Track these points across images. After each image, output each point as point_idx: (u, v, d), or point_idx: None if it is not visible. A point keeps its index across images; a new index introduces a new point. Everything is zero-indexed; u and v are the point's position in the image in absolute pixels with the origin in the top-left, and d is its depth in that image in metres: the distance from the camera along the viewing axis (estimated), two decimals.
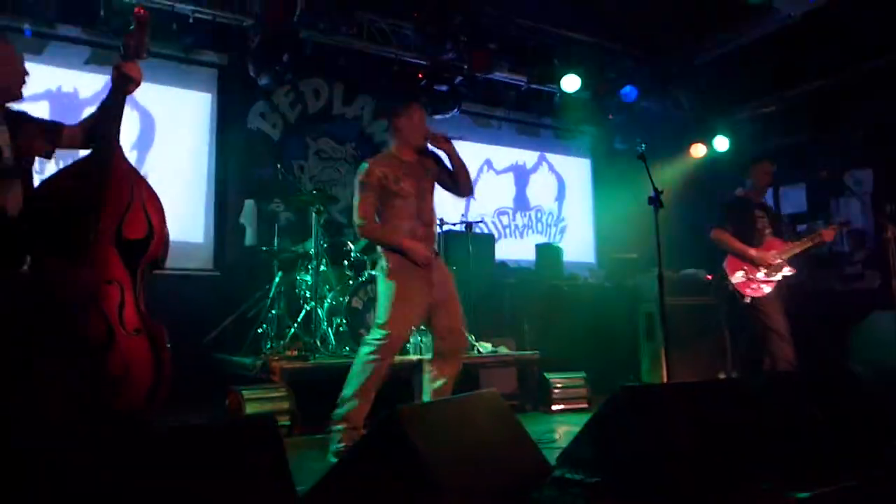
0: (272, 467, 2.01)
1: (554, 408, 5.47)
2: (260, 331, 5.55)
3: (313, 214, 5.51)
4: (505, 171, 8.52)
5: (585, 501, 2.49)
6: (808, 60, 7.26)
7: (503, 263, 7.53)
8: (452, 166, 3.89)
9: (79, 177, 2.73)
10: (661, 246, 4.22)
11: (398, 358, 4.92)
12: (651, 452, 2.47)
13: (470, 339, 5.64)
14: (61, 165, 2.95)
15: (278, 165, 6.29)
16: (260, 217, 6.38)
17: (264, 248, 5.88)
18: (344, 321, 5.28)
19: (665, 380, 4.50)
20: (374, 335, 3.68)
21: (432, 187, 3.93)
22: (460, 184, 3.92)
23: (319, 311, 5.43)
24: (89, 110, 3.07)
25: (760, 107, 8.29)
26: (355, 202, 3.75)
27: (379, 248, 3.83)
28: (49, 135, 2.90)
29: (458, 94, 7.14)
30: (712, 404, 2.88)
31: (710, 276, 6.78)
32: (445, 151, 3.85)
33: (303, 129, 7.10)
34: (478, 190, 8.21)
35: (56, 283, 2.56)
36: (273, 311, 5.53)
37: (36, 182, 2.84)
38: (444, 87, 7.01)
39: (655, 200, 4.19)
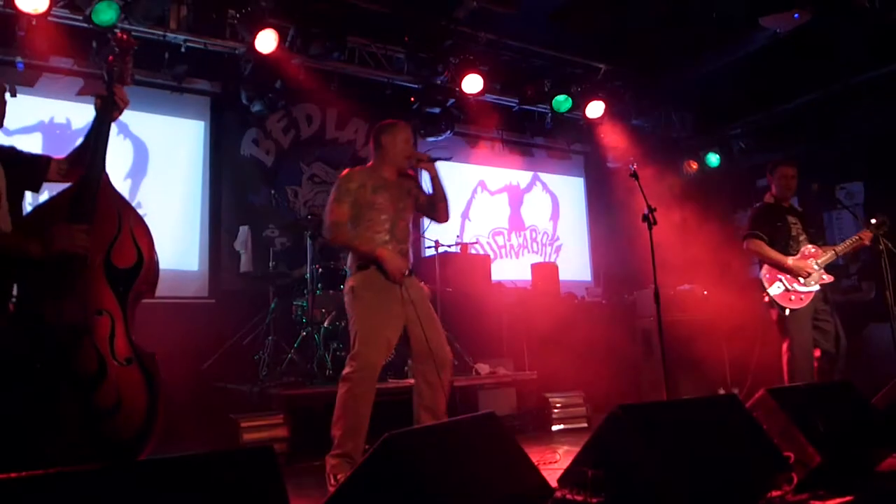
0: (271, 497, 1.98)
1: (554, 428, 5.44)
2: (256, 357, 5.52)
3: (308, 239, 5.51)
4: (499, 191, 8.55)
5: None
6: (797, 76, 7.34)
7: (499, 284, 7.53)
8: (433, 188, 3.79)
9: (65, 207, 2.69)
10: (656, 262, 4.23)
11: (395, 382, 4.90)
12: (652, 471, 2.45)
13: (468, 360, 5.62)
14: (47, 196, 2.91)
15: (272, 191, 6.31)
16: (255, 243, 6.38)
17: (259, 275, 5.87)
18: (341, 345, 5.26)
19: (665, 396, 4.48)
20: (348, 368, 3.48)
21: (411, 208, 3.83)
22: (438, 209, 3.82)
23: (316, 336, 5.41)
24: (82, 139, 3.06)
25: (751, 122, 8.36)
26: (328, 206, 3.61)
27: (346, 266, 3.68)
28: (37, 168, 2.88)
29: (451, 116, 7.18)
30: (711, 421, 2.87)
31: (706, 292, 6.80)
32: (428, 172, 3.77)
33: (296, 155, 7.13)
34: (472, 211, 8.30)
35: (45, 315, 2.53)
36: (269, 338, 5.51)
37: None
38: (436, 110, 7.06)
39: (649, 218, 4.20)
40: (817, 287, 4.70)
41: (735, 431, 2.88)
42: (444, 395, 3.61)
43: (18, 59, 5.49)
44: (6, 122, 2.88)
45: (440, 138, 7.19)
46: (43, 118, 5.91)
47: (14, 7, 4.87)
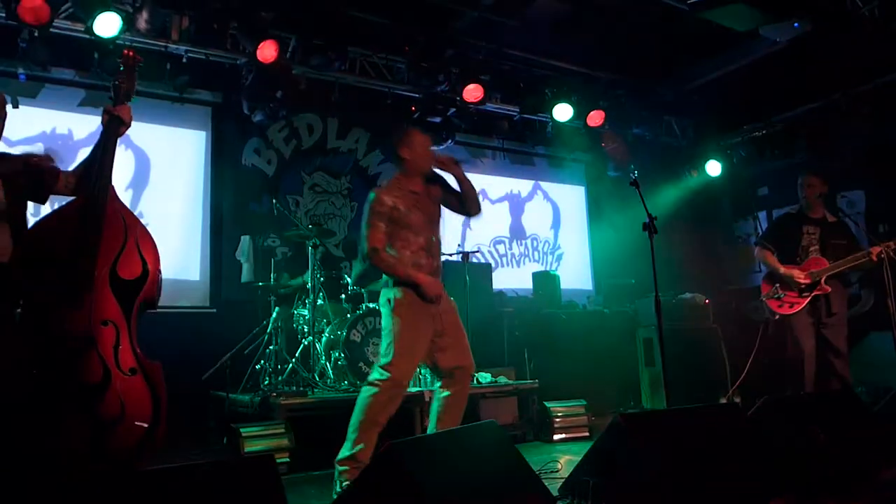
0: None
1: (555, 437, 5.42)
2: (258, 367, 5.52)
3: (310, 249, 5.52)
4: (500, 200, 8.56)
5: None
6: (797, 85, 7.36)
7: (501, 293, 7.53)
8: (461, 188, 3.82)
9: (72, 219, 2.73)
10: (658, 271, 4.23)
11: None
12: (653, 480, 2.45)
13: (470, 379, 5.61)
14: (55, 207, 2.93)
15: (273, 201, 6.31)
16: (256, 253, 6.39)
17: (261, 284, 5.88)
18: (342, 355, 5.25)
19: (666, 405, 4.47)
20: (379, 375, 3.52)
21: (440, 217, 3.84)
22: (469, 204, 3.85)
23: (317, 345, 5.41)
24: (84, 151, 3.09)
25: (752, 131, 8.38)
26: (364, 231, 3.61)
27: (386, 280, 3.69)
28: (45, 179, 2.89)
29: (452, 125, 7.20)
30: (713, 430, 2.86)
31: (707, 301, 6.79)
32: (454, 174, 3.78)
33: (297, 164, 7.15)
34: (473, 220, 8.26)
35: (50, 325, 2.54)
36: (271, 347, 5.51)
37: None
38: (437, 119, 7.08)
39: (650, 226, 4.20)
40: (808, 297, 4.83)
41: (736, 440, 2.88)
42: (461, 409, 3.70)
43: (20, 70, 5.52)
44: (8, 133, 2.91)
45: (441, 147, 7.20)
46: (45, 129, 5.93)
47: (16, 18, 4.90)
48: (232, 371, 5.62)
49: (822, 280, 4.82)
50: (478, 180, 8.29)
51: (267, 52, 5.74)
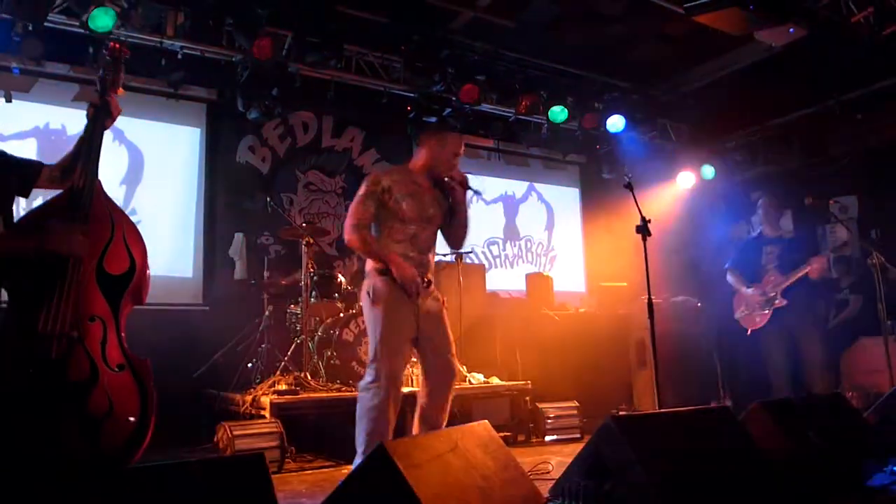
0: None
1: (547, 438, 5.43)
2: (250, 365, 5.51)
3: (303, 247, 5.51)
4: (494, 201, 8.56)
5: None
6: (793, 90, 7.39)
7: (494, 293, 7.53)
8: (455, 214, 3.64)
9: (58, 213, 2.69)
10: (651, 274, 4.24)
11: None
12: (644, 482, 2.45)
13: (462, 370, 5.61)
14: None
15: (268, 198, 6.31)
16: (249, 250, 6.38)
17: (253, 282, 5.86)
18: (335, 354, 5.25)
19: (657, 408, 4.48)
20: (369, 377, 3.37)
21: (439, 218, 3.64)
22: (455, 235, 3.69)
23: (310, 344, 5.40)
24: None
25: (746, 135, 8.41)
26: (352, 207, 3.49)
27: (366, 269, 3.53)
28: (26, 174, 2.87)
29: (447, 125, 7.19)
30: (704, 433, 2.87)
31: (700, 304, 6.82)
32: (455, 196, 3.61)
33: (292, 162, 7.14)
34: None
35: (37, 321, 2.52)
36: (263, 345, 5.50)
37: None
38: (432, 119, 7.07)
39: (643, 229, 4.21)
40: (768, 310, 5.32)
41: (727, 443, 2.89)
42: (447, 412, 3.53)
43: (14, 64, 5.49)
44: (1, 128, 2.89)
45: None
46: (38, 123, 5.90)
47: (11, 12, 4.87)
48: (224, 369, 5.61)
49: (778, 294, 5.27)
50: (472, 181, 8.29)
51: (263, 49, 5.73)
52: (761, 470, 2.82)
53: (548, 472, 3.83)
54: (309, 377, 5.21)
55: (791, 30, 5.72)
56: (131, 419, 2.62)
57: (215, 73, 6.24)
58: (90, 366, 2.58)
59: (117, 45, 3.04)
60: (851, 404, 3.65)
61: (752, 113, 8.08)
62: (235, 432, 4.26)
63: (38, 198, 3.08)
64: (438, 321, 3.54)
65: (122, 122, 6.02)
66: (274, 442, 4.31)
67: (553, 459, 4.30)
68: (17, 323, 2.55)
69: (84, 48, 5.48)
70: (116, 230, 2.79)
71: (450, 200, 3.66)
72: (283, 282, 5.90)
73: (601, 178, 8.55)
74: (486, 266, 7.91)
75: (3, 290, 2.64)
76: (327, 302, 5.70)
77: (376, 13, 6.29)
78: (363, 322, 5.26)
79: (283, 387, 5.02)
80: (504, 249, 8.52)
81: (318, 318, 5.65)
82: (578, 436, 5.45)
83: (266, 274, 5.94)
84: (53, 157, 3.02)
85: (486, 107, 7.24)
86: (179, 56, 5.80)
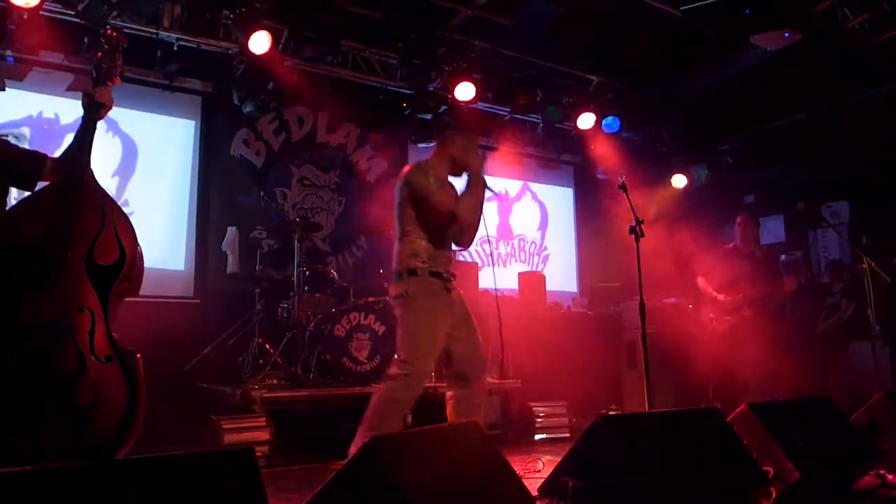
0: (249, 499, 1.97)
1: (536, 437, 5.45)
2: (240, 359, 5.49)
3: (296, 242, 5.50)
4: (488, 199, 8.51)
5: None
6: (787, 95, 7.42)
7: (486, 292, 7.53)
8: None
9: (48, 203, 2.66)
10: (643, 275, 4.25)
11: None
12: (633, 482, 2.46)
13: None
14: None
15: (261, 193, 6.29)
16: (242, 244, 6.35)
17: (246, 276, 5.85)
18: (326, 349, 5.24)
19: (647, 408, 4.50)
20: (400, 370, 3.37)
21: (456, 217, 3.61)
22: (465, 234, 3.67)
23: (301, 339, 5.39)
24: (71, 136, 3.03)
25: (740, 139, 8.44)
26: (434, 201, 3.47)
27: (400, 271, 3.50)
28: (33, 166, 2.83)
29: (443, 122, 7.18)
30: (693, 433, 2.88)
31: (691, 305, 6.85)
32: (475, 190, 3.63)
33: (286, 157, 7.11)
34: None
35: (24, 312, 2.50)
36: (254, 339, 5.49)
37: None
38: (427, 116, 7.07)
39: (636, 230, 4.22)
40: (731, 319, 5.76)
41: (715, 444, 2.90)
42: (482, 403, 3.56)
43: (8, 52, 5.46)
44: None
45: (430, 145, 7.19)
46: (31, 112, 5.86)
47: (5, 0, 4.84)
48: (214, 362, 5.60)
49: (744, 304, 5.68)
50: (466, 179, 8.29)
51: (259, 43, 5.71)
52: (749, 471, 2.84)
53: (537, 471, 3.84)
54: (300, 372, 5.20)
55: (787, 35, 5.75)
56: (119, 411, 2.60)
57: (211, 65, 6.23)
58: (78, 357, 2.56)
59: (114, 33, 2.96)
60: (839, 408, 3.67)
61: (745, 117, 8.10)
62: (225, 426, 4.25)
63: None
64: (466, 312, 3.62)
65: (116, 113, 6.02)
66: (264, 436, 4.31)
67: (543, 458, 4.31)
68: (2, 313, 2.52)
69: (79, 38, 5.45)
70: (107, 220, 2.76)
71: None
72: (275, 275, 5.89)
73: (595, 178, 8.56)
74: (479, 264, 7.90)
75: None
76: (319, 297, 5.69)
77: (374, 9, 6.28)
78: (355, 318, 5.29)
79: (273, 381, 5.01)
80: (497, 248, 8.53)
81: (309, 313, 5.64)
82: (568, 435, 5.46)
83: (258, 268, 5.93)
84: (46, 146, 3.02)
85: (481, 105, 7.24)
86: (175, 48, 5.78)
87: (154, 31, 5.58)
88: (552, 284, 7.88)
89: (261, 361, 5.35)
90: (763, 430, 3.05)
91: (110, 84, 2.90)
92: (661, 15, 6.00)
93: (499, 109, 7.45)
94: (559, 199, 9.19)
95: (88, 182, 2.78)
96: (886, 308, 5.98)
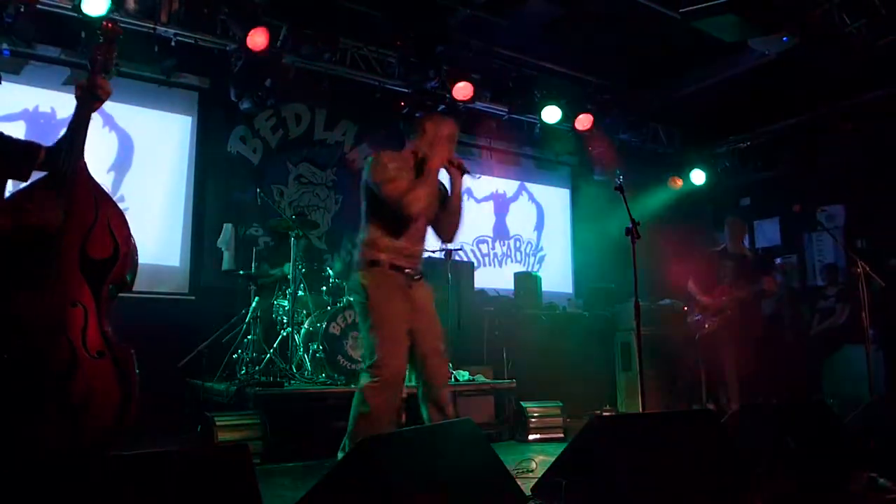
0: (243, 495, 1.97)
1: (530, 437, 5.44)
2: (235, 356, 5.48)
3: (292, 239, 5.49)
4: (485, 199, 8.56)
5: None
6: (784, 98, 7.44)
7: (482, 291, 7.53)
8: (448, 202, 3.48)
9: (39, 195, 2.63)
10: (638, 277, 4.25)
11: None
12: (625, 482, 2.47)
13: (448, 367, 5.62)
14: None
15: (258, 190, 6.27)
16: (238, 241, 6.34)
17: (241, 272, 5.84)
18: (321, 347, 5.23)
19: (640, 409, 4.51)
20: (372, 378, 3.16)
21: (434, 208, 3.47)
22: (448, 224, 3.51)
23: (296, 337, 5.39)
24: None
25: (737, 142, 8.46)
26: (383, 188, 3.26)
27: (357, 266, 3.37)
28: (27, 156, 2.80)
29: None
30: (687, 435, 2.89)
31: (686, 308, 6.86)
32: (453, 182, 3.47)
33: (283, 154, 7.10)
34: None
35: (16, 308, 2.47)
36: (249, 337, 5.47)
37: None
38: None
39: (632, 231, 4.22)
40: (717, 319, 5.71)
41: (708, 446, 2.90)
42: (447, 404, 3.36)
43: (5, 46, 5.43)
44: None
45: None
46: (27, 106, 5.84)
47: None
48: (208, 359, 5.58)
49: (729, 305, 5.66)
50: (463, 179, 8.29)
51: (257, 39, 5.70)
52: (742, 473, 2.84)
53: (531, 471, 3.83)
54: (294, 370, 5.19)
55: (785, 38, 5.76)
56: (111, 407, 2.58)
57: (208, 61, 6.20)
58: (70, 352, 2.54)
59: (111, 25, 2.93)
60: (833, 411, 3.68)
61: (743, 119, 8.12)
62: (219, 423, 4.24)
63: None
64: (431, 312, 3.43)
65: (112, 107, 6.01)
66: (257, 434, 4.30)
67: (536, 458, 4.30)
68: None
69: (77, 32, 5.43)
70: (100, 214, 2.72)
71: (441, 190, 3.54)
72: (271, 273, 5.88)
73: (592, 179, 8.56)
74: (475, 264, 7.91)
75: None
76: (315, 295, 5.68)
77: (372, 7, 6.27)
78: (350, 316, 5.27)
79: (268, 379, 5.00)
80: (493, 248, 8.53)
81: (305, 311, 5.63)
82: (562, 436, 5.46)
83: (254, 265, 5.91)
84: (42, 141, 2.97)
85: (479, 104, 7.24)
86: (173, 43, 5.76)
87: (151, 25, 5.56)
88: (548, 285, 7.88)
89: (255, 359, 5.33)
90: (756, 432, 3.06)
91: (105, 75, 2.87)
92: (659, 16, 6.00)
93: (496, 109, 7.44)
94: (556, 199, 9.20)
95: (82, 175, 2.74)
96: (881, 312, 6.01)
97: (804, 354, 7.07)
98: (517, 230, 8.75)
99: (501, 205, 8.70)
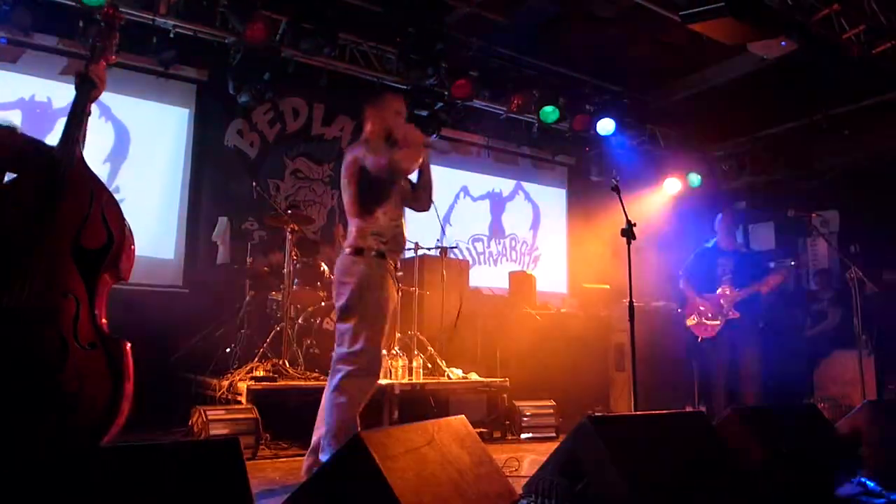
0: (234, 489, 1.96)
1: (523, 436, 5.45)
2: (228, 350, 5.47)
3: (287, 234, 5.48)
4: (481, 198, 8.57)
5: None
6: (780, 103, 7.45)
7: (477, 290, 7.54)
8: (420, 176, 3.57)
9: (32, 184, 2.60)
10: (633, 278, 4.26)
11: None
12: (616, 482, 2.47)
13: (441, 364, 5.63)
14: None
15: (254, 184, 6.26)
16: (233, 235, 6.33)
17: (236, 266, 5.82)
18: (314, 342, 5.23)
19: (633, 410, 4.52)
20: (351, 366, 3.20)
21: (406, 186, 3.57)
22: (420, 196, 3.59)
23: (290, 331, 5.38)
24: (63, 121, 2.98)
25: (734, 145, 8.48)
26: (351, 193, 3.40)
27: (347, 251, 3.40)
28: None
29: (438, 119, 7.19)
30: (678, 436, 2.89)
31: (680, 309, 6.88)
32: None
33: (280, 149, 7.09)
34: (454, 216, 8.30)
35: (7, 298, 2.46)
36: (242, 331, 5.46)
37: None
38: (424, 113, 7.06)
39: (628, 232, 4.23)
40: (719, 321, 5.48)
41: (700, 448, 2.91)
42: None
43: (1, 34, 5.40)
44: None
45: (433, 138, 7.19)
46: (23, 95, 5.81)
47: None
48: (201, 353, 5.57)
49: (730, 306, 5.45)
50: (460, 177, 8.32)
51: (256, 32, 5.69)
52: (733, 475, 2.85)
53: (522, 469, 3.84)
54: (287, 365, 5.19)
55: (783, 43, 5.78)
56: (103, 399, 2.57)
57: (207, 54, 6.19)
58: (60, 342, 2.52)
59: (112, 10, 2.88)
60: (824, 415, 3.70)
61: (740, 123, 8.14)
62: (210, 417, 4.23)
63: None
64: (397, 304, 3.55)
65: (109, 98, 5.99)
66: (249, 428, 4.29)
67: (527, 457, 4.32)
68: None
69: (74, 21, 5.40)
70: (95, 204, 2.69)
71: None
72: (265, 267, 5.87)
73: (589, 179, 8.58)
74: (471, 262, 7.91)
75: None
76: (309, 290, 5.67)
77: (372, 3, 6.26)
78: None
79: (260, 373, 4.99)
80: (488, 246, 8.53)
81: (298, 306, 5.62)
82: (554, 435, 5.47)
83: (249, 259, 5.90)
84: (38, 130, 2.96)
85: (478, 103, 7.25)
86: (171, 35, 5.74)
87: (150, 17, 5.54)
88: (542, 285, 7.90)
89: (248, 353, 5.32)
90: (748, 434, 3.07)
91: (104, 63, 2.84)
92: (660, 18, 6.00)
93: (495, 108, 7.45)
94: (552, 199, 9.21)
95: (77, 163, 2.72)
96: (873, 318, 6.03)
97: (796, 358, 7.09)
98: (513, 229, 8.76)
99: (497, 204, 8.71)
